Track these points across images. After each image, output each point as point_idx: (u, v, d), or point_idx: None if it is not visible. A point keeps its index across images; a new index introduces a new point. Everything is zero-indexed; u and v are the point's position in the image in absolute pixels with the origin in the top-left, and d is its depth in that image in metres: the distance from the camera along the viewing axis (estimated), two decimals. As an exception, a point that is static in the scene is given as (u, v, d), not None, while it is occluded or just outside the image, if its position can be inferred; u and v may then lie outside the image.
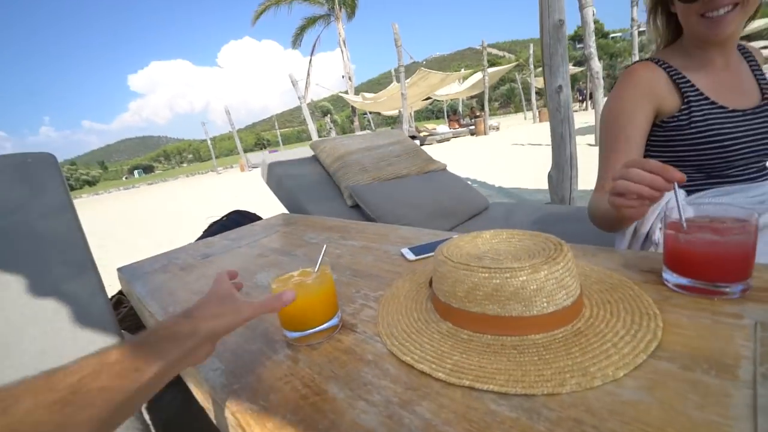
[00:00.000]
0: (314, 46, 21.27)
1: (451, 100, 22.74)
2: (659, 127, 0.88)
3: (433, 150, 12.09)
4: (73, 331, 0.78)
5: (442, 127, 17.54)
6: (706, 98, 0.84)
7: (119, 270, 1.17)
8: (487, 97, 15.19)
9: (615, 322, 0.48)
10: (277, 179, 1.96)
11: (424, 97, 18.05)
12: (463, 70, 17.28)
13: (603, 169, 0.90)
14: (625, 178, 0.57)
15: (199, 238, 1.68)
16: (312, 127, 10.85)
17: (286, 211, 1.91)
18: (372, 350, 0.53)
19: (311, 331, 0.57)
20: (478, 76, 15.39)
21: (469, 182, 5.66)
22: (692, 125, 0.84)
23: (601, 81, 4.83)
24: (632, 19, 7.01)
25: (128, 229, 6.44)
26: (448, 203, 1.88)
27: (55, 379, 0.32)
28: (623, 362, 0.41)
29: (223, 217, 2.05)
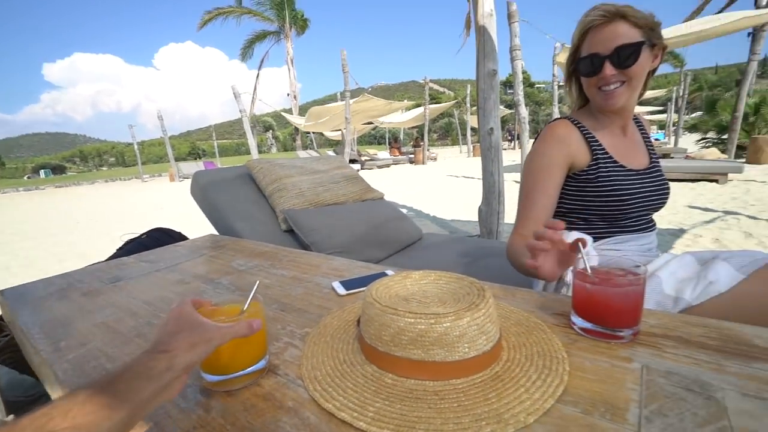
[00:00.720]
0: (262, 61, 20.98)
1: (393, 128, 23.53)
2: (572, 179, 0.99)
3: (373, 175, 12.30)
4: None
5: (383, 154, 17.99)
6: (611, 157, 0.97)
7: (1, 293, 1.00)
8: (426, 128, 15.97)
9: (528, 366, 0.51)
10: (206, 194, 1.84)
11: (366, 122, 18.48)
12: (406, 101, 18.06)
13: (521, 216, 0.99)
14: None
15: (111, 257, 1.51)
16: (252, 142, 10.48)
17: (215, 232, 1.80)
18: (293, 396, 0.50)
19: (235, 375, 0.52)
20: (420, 109, 16.18)
21: (405, 210, 5.78)
22: (599, 179, 0.95)
23: (527, 125, 5.34)
24: (553, 75, 7.91)
25: (23, 239, 5.58)
26: (384, 233, 1.90)
27: (21, 424, 0.31)
28: (534, 408, 0.43)
29: (142, 234, 1.87)
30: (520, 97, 4.89)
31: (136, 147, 19.24)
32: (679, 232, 3.33)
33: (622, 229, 0.98)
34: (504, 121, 30.17)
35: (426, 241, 2.06)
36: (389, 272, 0.93)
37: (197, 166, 18.92)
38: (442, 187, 7.77)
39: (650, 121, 25.41)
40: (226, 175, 1.99)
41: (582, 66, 0.95)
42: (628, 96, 0.94)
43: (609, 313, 0.57)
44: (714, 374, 0.48)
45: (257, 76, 21.28)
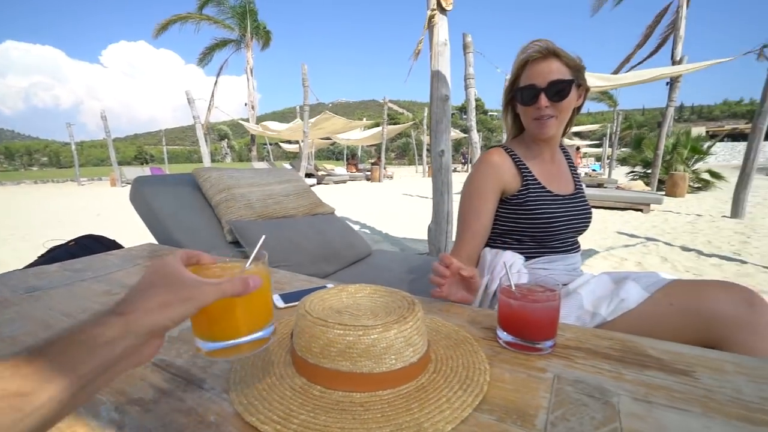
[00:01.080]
0: (221, 68, 20.39)
1: (352, 145, 23.71)
2: (505, 203, 1.06)
3: (329, 190, 12.24)
4: None
5: (340, 170, 18.02)
6: (539, 183, 1.06)
7: None
8: (384, 147, 16.26)
9: (452, 377, 0.53)
10: (146, 201, 1.74)
11: (324, 137, 18.48)
12: (365, 119, 18.32)
13: (458, 238, 1.06)
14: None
15: (29, 266, 1.37)
16: (205, 150, 10.06)
17: (155, 241, 1.70)
18: (217, 410, 0.49)
19: (241, 340, 0.45)
20: (379, 128, 16.49)
21: (358, 226, 5.78)
22: (528, 203, 1.03)
23: (479, 150, 5.63)
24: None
25: None
26: (333, 248, 1.90)
27: None
28: (452, 417, 0.46)
29: (70, 241, 1.72)
30: (473, 122, 5.16)
31: (73, 147, 17.71)
32: (608, 255, 3.62)
33: (550, 249, 1.07)
34: (459, 144, 31.49)
35: (375, 258, 2.08)
36: (329, 286, 0.93)
37: (143, 171, 17.77)
38: (395, 205, 7.90)
39: (588, 153, 27.84)
40: (169, 182, 1.90)
41: (520, 95, 1.04)
42: (558, 127, 1.04)
43: (528, 327, 0.61)
44: (613, 382, 0.54)
45: (215, 84, 20.64)
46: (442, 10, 2.55)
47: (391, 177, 18.15)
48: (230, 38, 19.65)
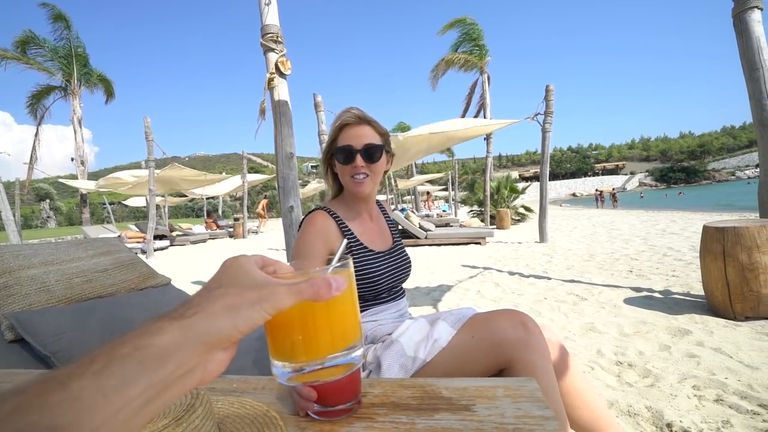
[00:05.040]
0: (41, 118, 16.80)
1: (211, 198, 21.96)
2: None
3: (184, 251, 10.91)
4: None
5: (199, 227, 16.32)
6: (361, 243, 1.13)
7: None
8: (245, 201, 15.52)
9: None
10: None
11: (175, 194, 16.72)
12: (224, 173, 17.31)
13: None
14: None
15: None
16: (9, 215, 7.85)
17: None
18: None
19: (312, 364, 0.38)
20: (238, 181, 15.73)
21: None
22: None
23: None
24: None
25: None
26: (166, 325, 1.65)
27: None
28: None
29: None
30: (329, 175, 5.39)
31: None
32: (455, 288, 4.07)
33: (380, 301, 1.13)
34: (324, 195, 32.22)
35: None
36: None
37: None
38: (261, 262, 7.45)
39: (438, 196, 31.88)
40: None
41: (338, 155, 1.12)
42: (372, 186, 1.15)
43: (330, 394, 0.61)
44: (406, 434, 0.57)
45: (36, 135, 16.96)
46: (281, 74, 2.66)
47: (257, 232, 17.25)
48: (53, 85, 16.58)
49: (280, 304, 0.31)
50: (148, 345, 0.25)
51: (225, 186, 17.50)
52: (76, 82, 16.40)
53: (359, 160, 1.10)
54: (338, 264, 0.43)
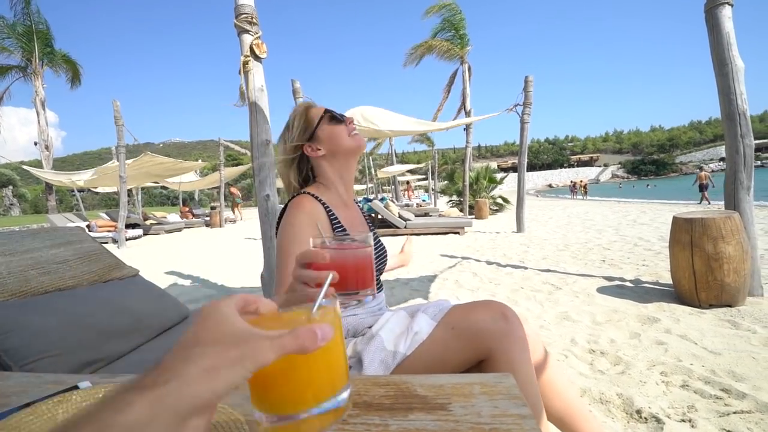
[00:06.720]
0: (0, 99, 15.71)
1: (187, 189, 21.30)
2: None
3: (159, 240, 10.57)
4: None
5: (174, 216, 15.80)
6: (344, 229, 1.08)
7: None
8: (222, 190, 15.14)
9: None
10: None
11: (151, 182, 16.14)
12: (200, 161, 16.76)
13: (276, 284, 1.00)
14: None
15: None
16: None
17: None
18: None
19: (314, 411, 0.37)
20: (215, 176, 15.32)
21: (189, 280, 5.10)
22: (335, 250, 1.05)
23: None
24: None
25: None
26: (132, 318, 1.57)
27: None
28: None
29: None
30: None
31: None
32: (434, 278, 4.09)
33: (357, 293, 1.09)
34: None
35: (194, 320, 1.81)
36: (83, 385, 0.73)
37: None
38: (234, 252, 7.30)
39: (419, 185, 31.98)
40: None
41: (331, 121, 1.13)
42: None
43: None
44: (378, 436, 0.54)
45: None
46: (256, 57, 2.55)
47: (234, 221, 16.87)
48: (11, 64, 15.49)
49: (263, 360, 0.29)
50: (111, 425, 0.23)
51: (201, 182, 17.01)
52: (38, 61, 15.42)
53: (349, 118, 1.15)
54: (325, 301, 0.41)
